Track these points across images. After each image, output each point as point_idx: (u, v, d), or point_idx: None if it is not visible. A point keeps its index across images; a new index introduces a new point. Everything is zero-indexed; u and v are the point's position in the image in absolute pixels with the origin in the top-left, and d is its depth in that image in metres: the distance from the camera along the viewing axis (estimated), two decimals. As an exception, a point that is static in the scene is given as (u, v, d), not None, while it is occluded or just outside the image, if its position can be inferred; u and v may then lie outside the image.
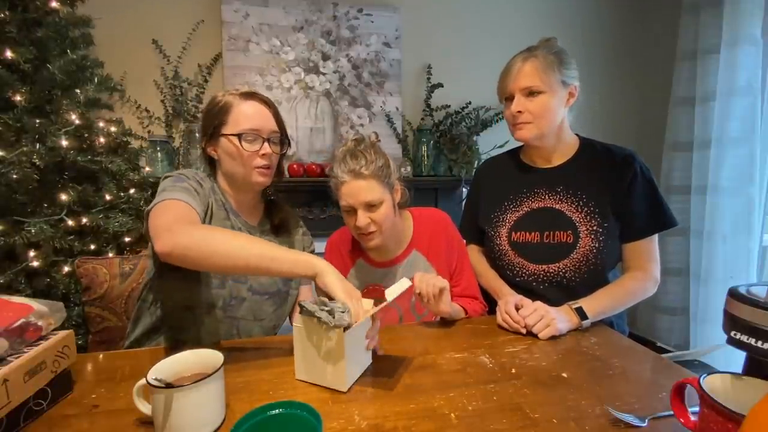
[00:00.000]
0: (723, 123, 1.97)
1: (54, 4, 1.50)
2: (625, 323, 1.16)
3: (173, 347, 0.85)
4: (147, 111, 2.02)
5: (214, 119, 0.92)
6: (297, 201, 2.07)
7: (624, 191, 1.02)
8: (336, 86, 2.22)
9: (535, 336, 0.89)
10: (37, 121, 1.43)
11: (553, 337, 0.89)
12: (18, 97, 1.40)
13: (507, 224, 1.13)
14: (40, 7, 1.47)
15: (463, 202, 1.84)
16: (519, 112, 1.03)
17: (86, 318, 1.15)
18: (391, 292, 0.76)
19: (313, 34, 2.17)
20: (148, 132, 2.02)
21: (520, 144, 1.18)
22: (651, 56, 2.56)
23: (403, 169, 2.17)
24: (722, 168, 1.99)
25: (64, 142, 1.47)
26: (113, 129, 1.68)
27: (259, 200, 1.04)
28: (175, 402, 0.54)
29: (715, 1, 1.97)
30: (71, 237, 1.50)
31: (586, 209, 1.04)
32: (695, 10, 2.06)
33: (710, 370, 0.55)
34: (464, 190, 2.26)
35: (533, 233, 1.09)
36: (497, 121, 2.33)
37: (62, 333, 0.67)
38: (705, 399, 0.49)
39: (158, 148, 1.90)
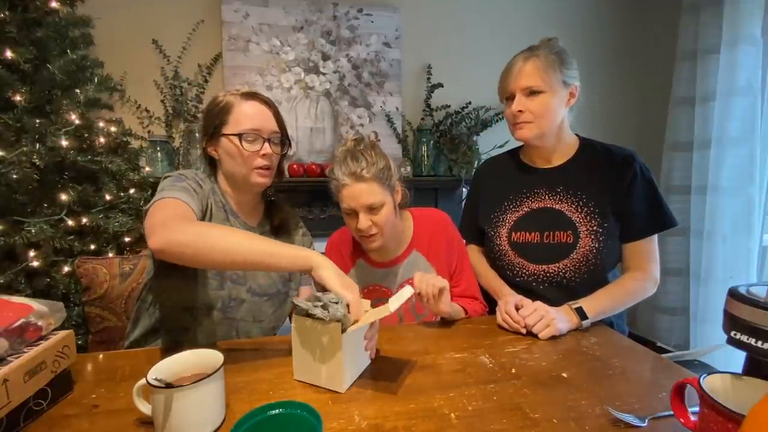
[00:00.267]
0: (723, 123, 1.97)
1: (54, 4, 1.50)
2: (625, 323, 1.16)
3: (173, 348, 0.85)
4: (147, 111, 2.02)
5: (215, 119, 0.92)
6: (297, 201, 2.07)
7: (624, 191, 1.02)
8: (336, 86, 2.22)
9: (535, 336, 0.89)
10: (37, 121, 1.43)
11: (553, 337, 0.89)
12: (18, 97, 1.40)
13: (507, 224, 1.13)
14: (40, 7, 1.47)
15: (463, 202, 1.83)
16: (520, 111, 1.03)
17: (86, 318, 1.15)
18: (394, 302, 0.73)
19: (313, 34, 2.17)
20: (148, 132, 2.02)
21: (520, 144, 1.18)
22: (651, 56, 2.56)
23: (403, 169, 2.17)
24: (722, 168, 1.99)
25: (64, 142, 1.47)
26: (113, 129, 1.68)
27: (259, 201, 1.04)
28: (175, 402, 0.54)
29: (715, 1, 1.97)
30: (71, 237, 1.50)
31: (586, 209, 1.04)
32: (695, 10, 2.06)
33: (710, 370, 0.55)
34: (464, 190, 2.26)
35: (533, 233, 1.09)
36: (497, 121, 2.33)
37: (62, 333, 0.67)
38: (705, 399, 0.49)
39: (158, 148, 1.90)
